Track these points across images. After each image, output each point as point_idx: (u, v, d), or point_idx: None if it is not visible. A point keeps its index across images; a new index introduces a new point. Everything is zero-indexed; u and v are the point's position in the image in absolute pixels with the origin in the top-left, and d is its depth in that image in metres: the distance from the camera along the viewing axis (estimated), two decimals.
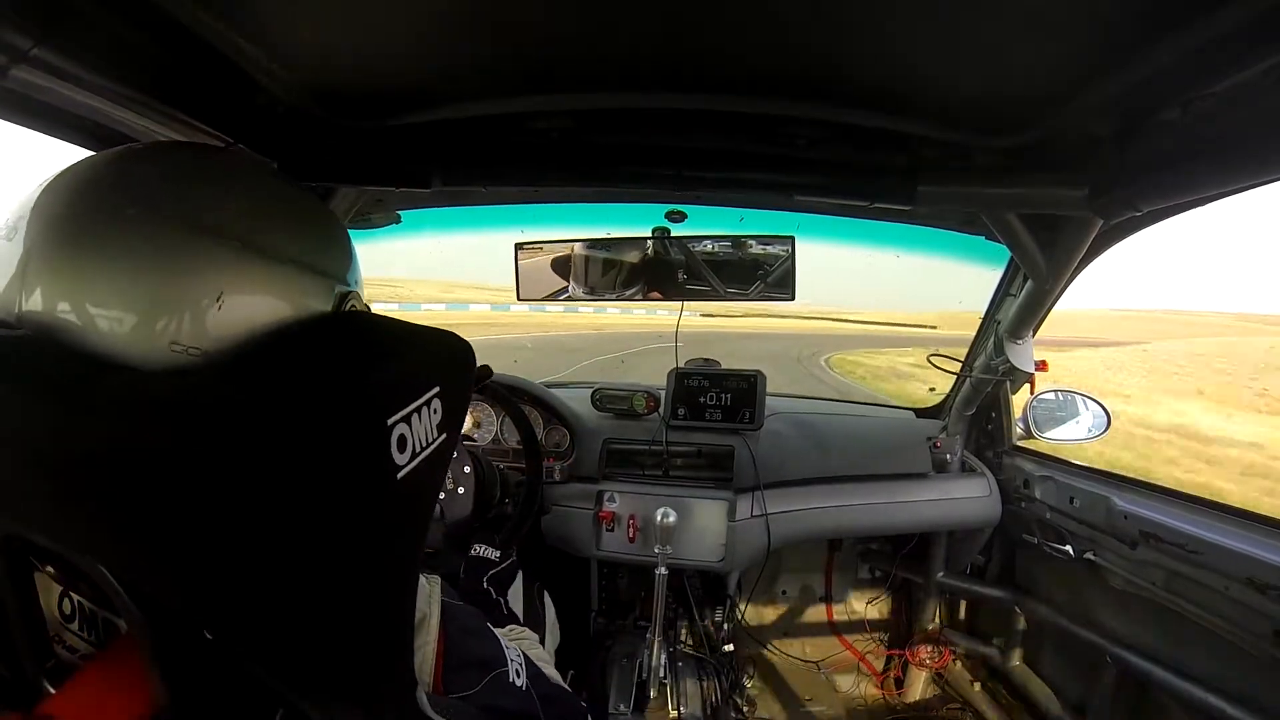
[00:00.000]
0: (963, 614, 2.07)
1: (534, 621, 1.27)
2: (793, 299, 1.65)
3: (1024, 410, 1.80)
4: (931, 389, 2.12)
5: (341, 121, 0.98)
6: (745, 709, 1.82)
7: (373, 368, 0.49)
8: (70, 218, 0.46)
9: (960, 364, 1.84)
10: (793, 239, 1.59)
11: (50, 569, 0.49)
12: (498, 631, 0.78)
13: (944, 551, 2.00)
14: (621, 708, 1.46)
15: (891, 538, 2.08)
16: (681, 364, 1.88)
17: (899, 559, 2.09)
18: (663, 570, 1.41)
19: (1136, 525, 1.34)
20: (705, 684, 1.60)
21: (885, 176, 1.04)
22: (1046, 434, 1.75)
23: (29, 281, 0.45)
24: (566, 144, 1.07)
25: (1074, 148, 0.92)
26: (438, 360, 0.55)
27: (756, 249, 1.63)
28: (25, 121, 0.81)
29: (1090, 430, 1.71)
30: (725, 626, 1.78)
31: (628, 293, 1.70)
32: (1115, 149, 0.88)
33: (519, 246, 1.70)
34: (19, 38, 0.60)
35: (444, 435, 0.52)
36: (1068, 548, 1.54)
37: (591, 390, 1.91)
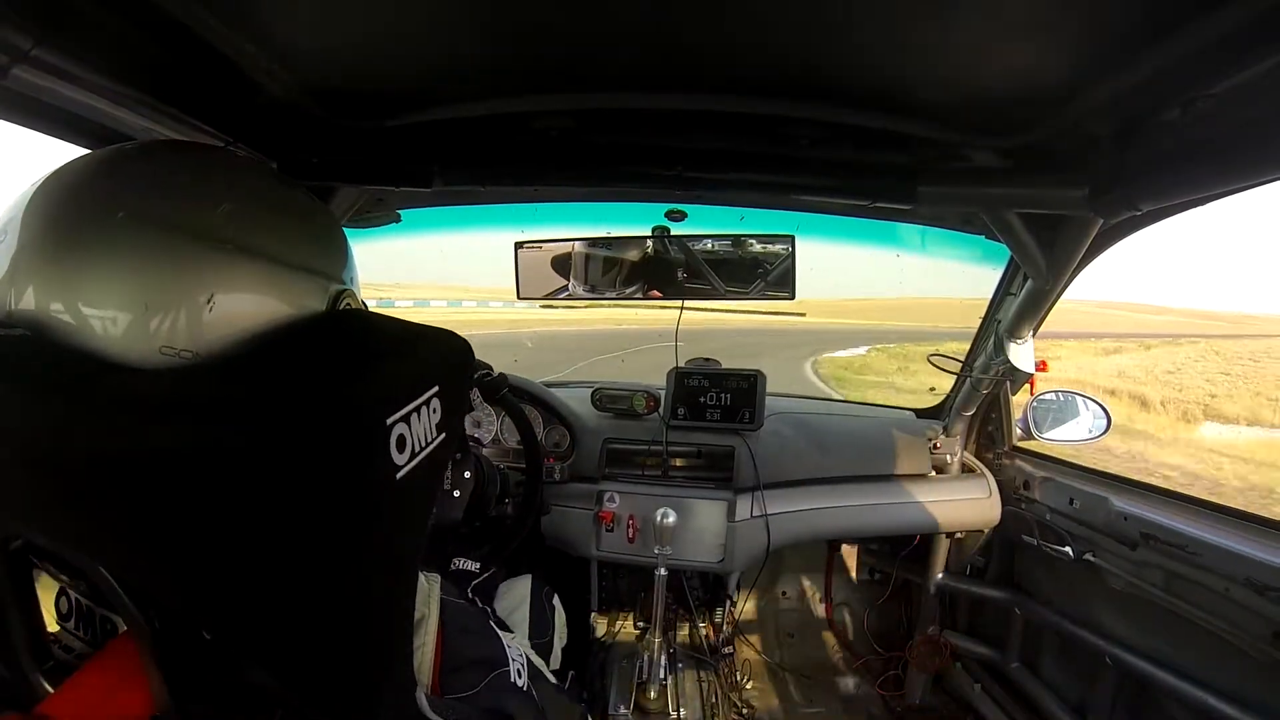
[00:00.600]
0: (962, 615, 2.06)
1: (542, 624, 1.27)
2: (793, 298, 1.64)
3: (1024, 411, 1.79)
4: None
5: (341, 121, 0.98)
6: (744, 710, 1.82)
7: (373, 367, 0.49)
8: (61, 220, 0.46)
9: (960, 364, 1.84)
10: (793, 238, 1.59)
11: (49, 567, 0.49)
12: (501, 632, 0.78)
13: (944, 552, 2.00)
14: (621, 708, 1.46)
15: (891, 539, 2.07)
16: (681, 363, 1.88)
17: (899, 560, 2.09)
18: (662, 571, 1.41)
19: (1136, 526, 1.34)
20: (705, 684, 1.60)
21: (886, 176, 1.04)
22: (1046, 435, 1.74)
23: (20, 282, 0.45)
24: (567, 144, 1.07)
25: (1074, 148, 0.91)
26: (437, 360, 0.55)
27: (756, 248, 1.63)
28: (25, 121, 0.81)
29: (1090, 431, 1.71)
30: (725, 627, 1.78)
31: (627, 291, 1.70)
32: (1115, 149, 0.88)
33: (519, 245, 1.70)
34: (19, 37, 0.60)
35: (443, 435, 0.52)
36: (1067, 549, 1.53)
37: (591, 390, 1.91)
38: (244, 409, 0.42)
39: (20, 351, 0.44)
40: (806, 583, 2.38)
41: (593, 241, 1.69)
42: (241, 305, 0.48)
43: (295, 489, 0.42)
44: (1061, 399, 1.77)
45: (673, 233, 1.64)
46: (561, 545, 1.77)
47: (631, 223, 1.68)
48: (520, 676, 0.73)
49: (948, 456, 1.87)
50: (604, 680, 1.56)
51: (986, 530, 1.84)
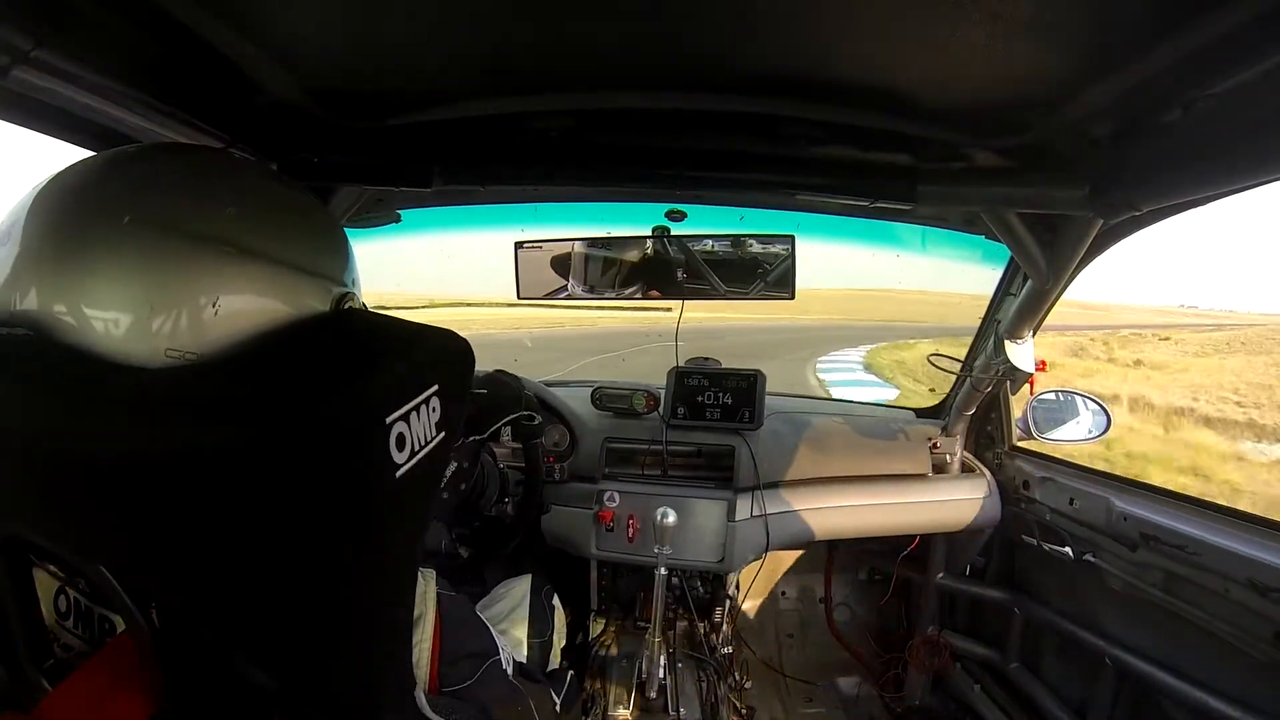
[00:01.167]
0: (962, 615, 2.06)
1: (542, 623, 1.28)
2: (793, 298, 1.64)
3: (1024, 411, 1.79)
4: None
5: (341, 121, 0.98)
6: (744, 710, 1.81)
7: (372, 367, 0.49)
8: (66, 224, 0.46)
9: (960, 364, 1.84)
10: (793, 238, 1.59)
11: (49, 566, 0.49)
12: (486, 619, 0.80)
13: (943, 553, 2.00)
14: (621, 708, 1.46)
15: (891, 539, 2.07)
16: (681, 363, 1.88)
17: (898, 560, 2.09)
18: (662, 570, 1.41)
19: (1136, 527, 1.34)
20: (704, 685, 1.60)
21: (886, 176, 1.04)
22: (1046, 435, 1.74)
23: (25, 284, 0.45)
24: (567, 143, 1.07)
25: (1074, 148, 0.91)
26: (437, 359, 0.55)
27: (756, 248, 1.63)
28: (25, 121, 0.81)
29: (1090, 431, 1.71)
30: (724, 627, 1.78)
31: (627, 291, 1.70)
32: (1115, 149, 0.88)
33: (519, 245, 1.70)
34: (20, 38, 0.60)
35: (443, 434, 0.52)
36: (1067, 549, 1.53)
37: (591, 389, 1.91)
38: (245, 409, 0.42)
39: (22, 352, 0.44)
40: (806, 583, 2.38)
41: (593, 241, 1.69)
42: (246, 307, 0.49)
43: (295, 487, 0.42)
44: (1061, 399, 1.76)
45: (673, 233, 1.64)
46: (561, 545, 1.77)
47: (631, 223, 1.68)
48: (509, 664, 0.74)
49: (947, 456, 1.87)
50: (604, 680, 1.56)
51: (986, 530, 1.84)
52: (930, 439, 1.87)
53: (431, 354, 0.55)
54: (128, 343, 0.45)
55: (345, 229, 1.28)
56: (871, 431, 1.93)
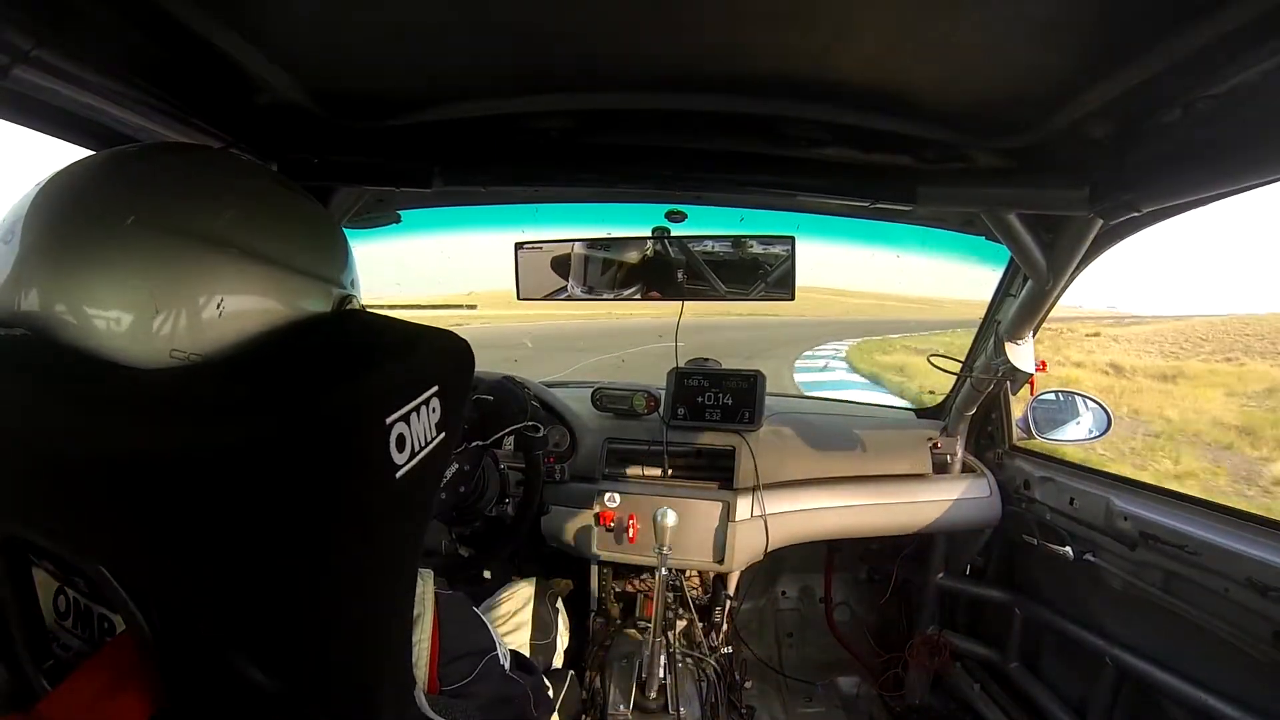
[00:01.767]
0: (962, 615, 2.06)
1: (546, 626, 1.28)
2: (793, 299, 1.64)
3: (1024, 411, 1.79)
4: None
5: (342, 122, 0.98)
6: (744, 710, 1.82)
7: (372, 367, 0.49)
8: (69, 224, 0.46)
9: (960, 364, 1.84)
10: (793, 239, 1.59)
11: (48, 565, 0.49)
12: (487, 619, 0.80)
13: (943, 552, 2.00)
14: (621, 708, 1.45)
15: (891, 539, 2.07)
16: (681, 363, 1.88)
17: (899, 560, 2.09)
18: (663, 571, 1.41)
19: (1136, 526, 1.34)
20: (705, 685, 1.60)
21: (886, 177, 1.04)
22: (1046, 435, 1.74)
23: (26, 284, 0.45)
24: (567, 144, 1.07)
25: (1074, 149, 0.91)
26: (436, 360, 0.55)
27: (757, 249, 1.63)
28: (25, 121, 0.81)
29: (1090, 431, 1.71)
30: (724, 627, 1.78)
31: (626, 292, 1.70)
32: (1115, 150, 0.88)
33: (519, 246, 1.70)
34: (20, 38, 0.60)
35: (443, 434, 0.52)
36: (1067, 549, 1.53)
37: (591, 390, 1.91)
38: (245, 409, 0.42)
39: (23, 352, 0.44)
40: (806, 583, 2.38)
41: (592, 242, 1.69)
42: (248, 308, 0.49)
43: (296, 487, 0.42)
44: (1061, 399, 1.77)
45: (673, 233, 1.64)
46: (561, 545, 1.77)
47: (631, 223, 1.68)
48: (506, 660, 0.74)
49: (948, 456, 1.87)
50: (604, 680, 1.56)
51: (986, 530, 1.84)
52: (931, 439, 1.87)
53: (432, 355, 0.55)
54: (131, 343, 0.45)
55: (345, 229, 1.28)
56: (872, 431, 1.93)
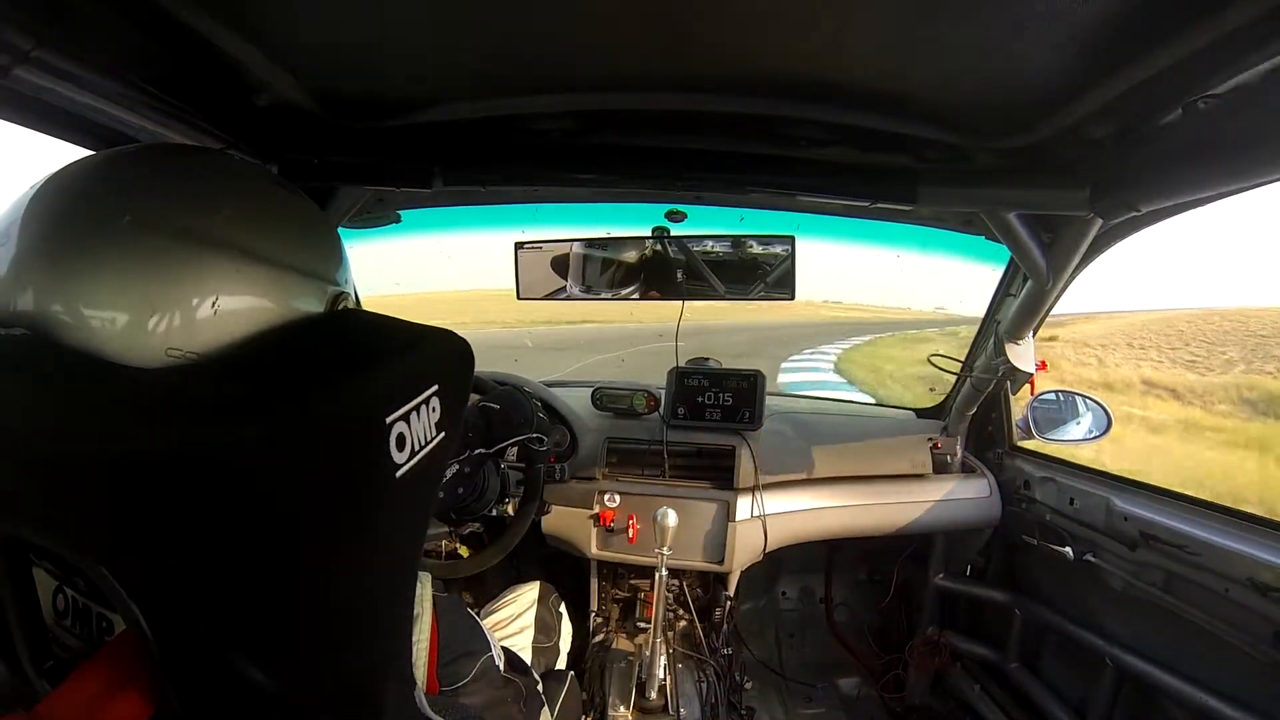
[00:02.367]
0: (962, 616, 2.06)
1: (548, 630, 1.28)
2: (793, 299, 1.64)
3: (1024, 411, 1.79)
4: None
5: (341, 121, 0.98)
6: (744, 710, 1.81)
7: (372, 366, 0.49)
8: (66, 224, 0.46)
9: (961, 364, 1.84)
10: (793, 239, 1.59)
11: (47, 564, 0.49)
12: (491, 621, 0.81)
13: (943, 553, 2.00)
14: (621, 708, 1.45)
15: (891, 539, 2.07)
16: (681, 363, 1.88)
17: (899, 560, 2.09)
18: (663, 571, 1.41)
19: (1136, 527, 1.34)
20: (704, 685, 1.60)
21: (886, 177, 1.04)
22: (1047, 435, 1.74)
23: (24, 284, 0.45)
24: (567, 144, 1.07)
25: (1074, 149, 0.91)
26: (436, 359, 0.55)
27: (757, 249, 1.63)
28: (25, 121, 0.81)
29: (1090, 431, 1.71)
30: (724, 627, 1.78)
31: (625, 292, 1.70)
32: (1115, 150, 0.88)
33: (519, 246, 1.70)
34: (21, 38, 0.60)
35: (443, 434, 0.52)
36: (1067, 549, 1.53)
37: (592, 390, 1.91)
38: (245, 408, 0.42)
39: (21, 352, 0.44)
40: (806, 583, 2.38)
41: (592, 242, 1.69)
42: (245, 307, 0.49)
43: (295, 487, 0.42)
44: (1062, 399, 1.77)
45: (672, 233, 1.64)
46: (561, 545, 1.77)
47: (631, 223, 1.68)
48: (500, 660, 0.75)
49: (948, 456, 1.87)
50: (603, 680, 1.56)
51: (987, 530, 1.84)
52: (931, 439, 1.87)
53: (431, 354, 0.55)
54: (127, 342, 0.45)
55: (345, 229, 1.28)
56: (872, 432, 1.93)
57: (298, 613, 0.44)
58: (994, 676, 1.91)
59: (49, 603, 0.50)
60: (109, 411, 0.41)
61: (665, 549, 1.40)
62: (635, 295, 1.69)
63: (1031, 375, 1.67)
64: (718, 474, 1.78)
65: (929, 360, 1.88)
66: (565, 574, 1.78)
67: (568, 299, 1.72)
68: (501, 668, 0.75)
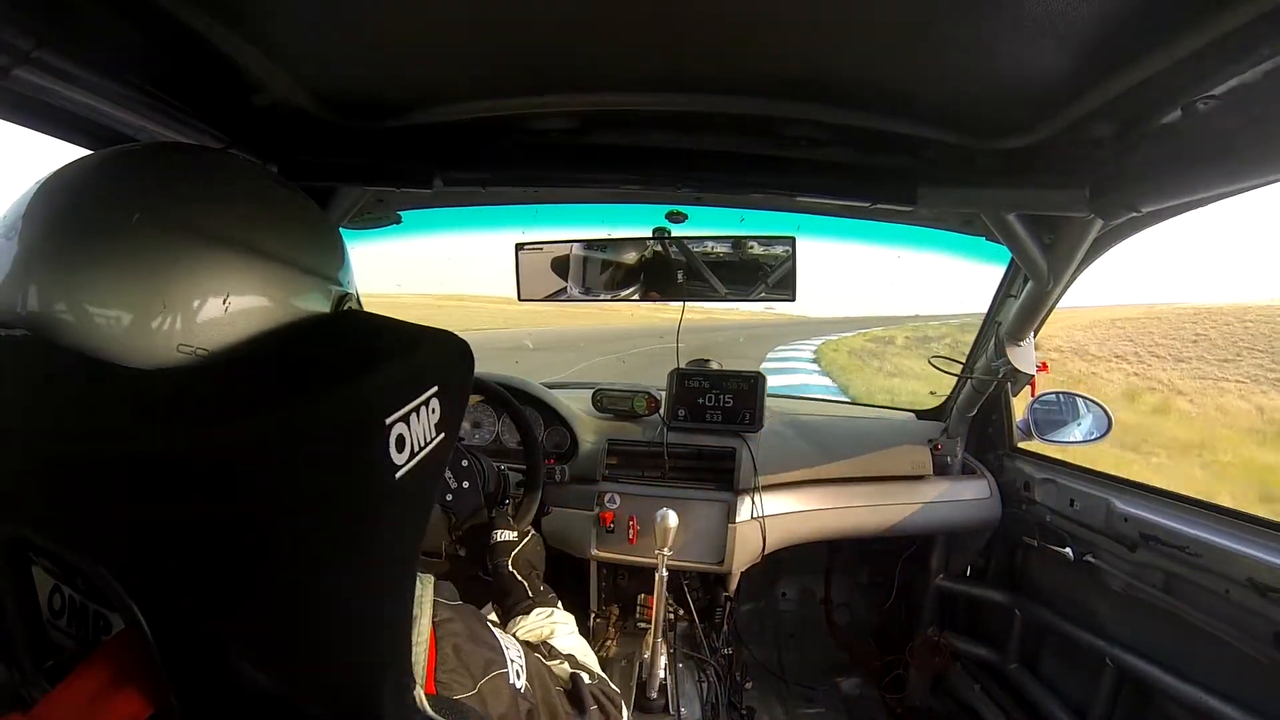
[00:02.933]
0: (962, 616, 2.06)
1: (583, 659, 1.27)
2: (794, 300, 1.64)
3: (1025, 412, 1.79)
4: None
5: (342, 122, 0.98)
6: (744, 710, 1.81)
7: (372, 367, 0.49)
8: (73, 223, 0.46)
9: (961, 365, 1.84)
10: (793, 239, 1.59)
11: (45, 563, 0.49)
12: (498, 633, 0.78)
13: (944, 554, 2.00)
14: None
15: (892, 540, 2.07)
16: (682, 364, 1.88)
17: (899, 561, 2.09)
18: (663, 572, 1.41)
19: (1136, 527, 1.34)
20: (705, 686, 1.60)
21: (886, 178, 1.04)
22: (1047, 436, 1.74)
23: (29, 283, 0.45)
24: (567, 144, 1.07)
25: (1074, 149, 0.91)
26: (436, 360, 0.55)
27: (757, 249, 1.63)
28: (25, 121, 0.81)
29: (1090, 432, 1.71)
30: (725, 628, 1.78)
31: (626, 293, 1.70)
32: (1115, 151, 0.88)
33: (519, 247, 1.70)
34: (21, 38, 0.60)
35: (442, 435, 0.52)
36: (1068, 550, 1.53)
37: (592, 391, 1.91)
38: (246, 408, 0.42)
39: (23, 352, 0.44)
40: (806, 583, 2.38)
41: (592, 243, 1.69)
42: (254, 305, 0.49)
43: (295, 487, 0.42)
44: (1062, 400, 1.76)
45: (673, 234, 1.64)
46: (562, 546, 1.77)
47: (632, 224, 1.68)
48: (519, 678, 0.72)
49: (948, 458, 1.87)
50: None
51: (987, 531, 1.84)
52: (931, 440, 1.87)
53: (432, 355, 0.55)
54: (133, 341, 0.45)
55: (345, 229, 1.28)
56: (872, 433, 1.93)
57: (297, 612, 0.44)
58: (994, 677, 1.91)
59: (45, 601, 0.49)
60: (111, 412, 0.41)
61: (665, 550, 1.40)
62: (636, 296, 1.69)
63: (1032, 377, 1.67)
64: (718, 475, 1.78)
65: (930, 362, 1.88)
66: (565, 575, 1.78)
67: (569, 300, 1.72)
68: (520, 688, 0.73)
